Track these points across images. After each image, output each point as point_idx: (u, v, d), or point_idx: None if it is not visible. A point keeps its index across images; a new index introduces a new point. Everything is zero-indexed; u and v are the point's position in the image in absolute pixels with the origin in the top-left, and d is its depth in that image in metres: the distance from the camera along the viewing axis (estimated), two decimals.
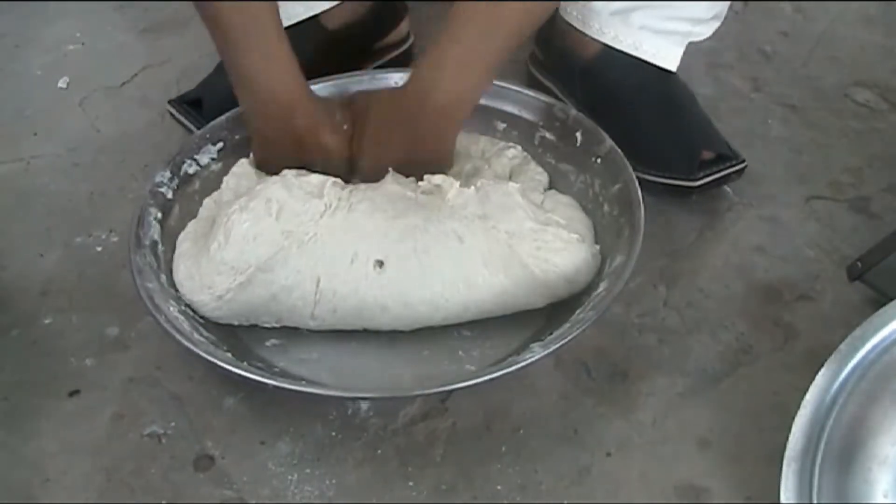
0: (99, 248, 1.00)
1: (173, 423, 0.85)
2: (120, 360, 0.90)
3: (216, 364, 0.81)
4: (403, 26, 1.23)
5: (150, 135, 1.14)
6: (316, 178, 0.90)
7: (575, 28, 1.07)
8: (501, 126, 1.04)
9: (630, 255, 0.86)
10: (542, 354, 0.80)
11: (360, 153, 0.94)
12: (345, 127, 0.95)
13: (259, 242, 0.86)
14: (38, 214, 1.05)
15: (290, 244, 0.86)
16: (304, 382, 0.83)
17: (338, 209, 0.88)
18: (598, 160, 0.96)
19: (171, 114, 1.12)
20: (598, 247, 0.91)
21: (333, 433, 0.84)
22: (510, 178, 0.98)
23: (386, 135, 0.93)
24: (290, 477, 0.81)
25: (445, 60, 0.88)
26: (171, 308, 0.86)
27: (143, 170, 1.08)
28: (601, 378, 0.88)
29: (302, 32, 1.11)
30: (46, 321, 0.93)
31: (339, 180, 0.91)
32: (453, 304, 0.87)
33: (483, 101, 0.98)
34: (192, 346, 0.82)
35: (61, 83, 1.24)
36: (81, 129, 1.17)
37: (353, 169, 0.95)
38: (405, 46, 1.23)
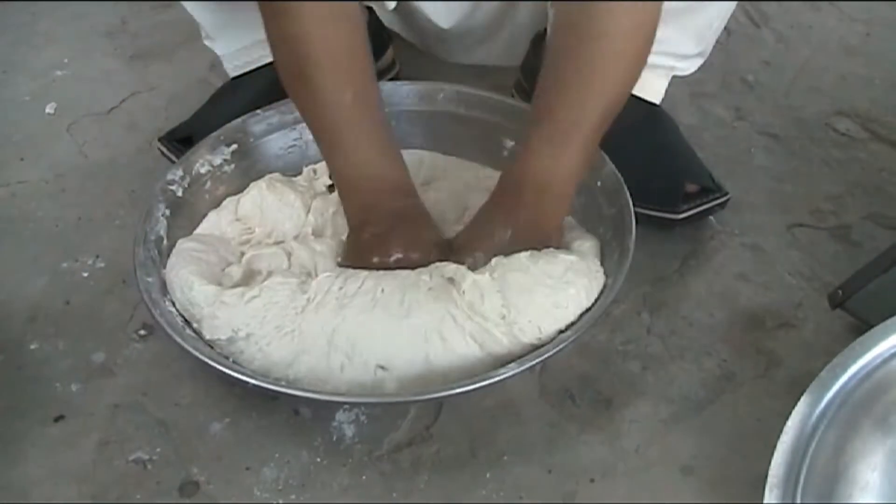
0: (85, 274, 1.01)
1: (159, 449, 0.85)
2: (106, 386, 0.90)
3: (205, 361, 0.80)
4: (389, 54, 1.23)
5: (137, 161, 1.15)
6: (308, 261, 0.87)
7: None
8: (510, 144, 1.03)
9: (617, 277, 0.86)
10: (531, 364, 0.79)
11: (460, 247, 0.90)
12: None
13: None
14: (24, 240, 1.05)
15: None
16: (283, 384, 0.82)
17: (322, 304, 0.84)
18: (599, 183, 0.96)
19: (162, 152, 1.09)
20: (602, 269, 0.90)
21: (319, 459, 0.84)
22: None
23: (486, 228, 0.90)
24: (275, 503, 0.81)
25: (538, 142, 0.87)
26: (167, 304, 0.86)
27: (131, 196, 1.09)
28: (585, 405, 0.88)
29: None
30: (32, 347, 0.93)
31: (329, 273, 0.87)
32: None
33: (491, 118, 0.99)
34: (182, 342, 0.81)
35: (49, 109, 1.24)
36: (69, 154, 1.17)
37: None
38: (392, 74, 1.24)
